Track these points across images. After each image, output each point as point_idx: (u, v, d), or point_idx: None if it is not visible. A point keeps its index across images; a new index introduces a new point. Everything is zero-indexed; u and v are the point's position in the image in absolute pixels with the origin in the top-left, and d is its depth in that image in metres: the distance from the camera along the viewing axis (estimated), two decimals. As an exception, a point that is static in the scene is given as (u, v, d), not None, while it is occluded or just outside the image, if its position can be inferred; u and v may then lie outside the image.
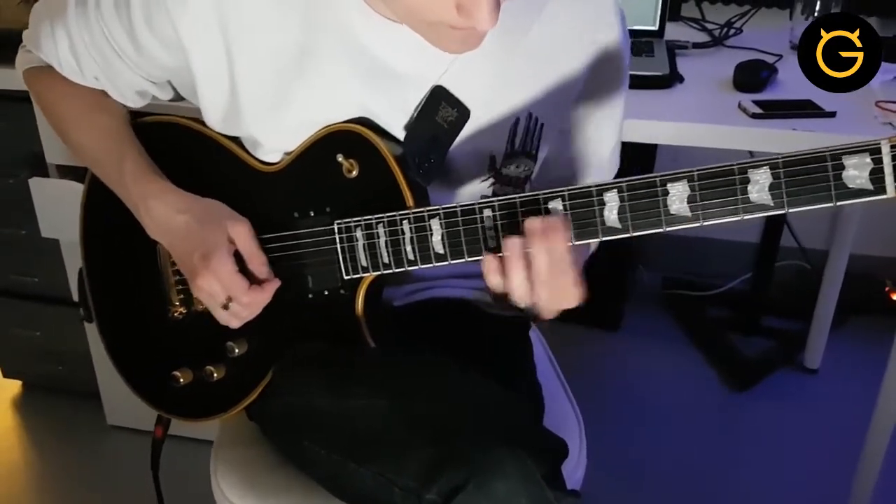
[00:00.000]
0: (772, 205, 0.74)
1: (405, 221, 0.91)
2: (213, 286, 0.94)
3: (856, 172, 0.71)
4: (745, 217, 0.76)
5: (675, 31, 1.82)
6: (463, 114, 0.95)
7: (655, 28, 1.72)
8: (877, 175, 0.70)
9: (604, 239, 0.83)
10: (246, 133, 1.00)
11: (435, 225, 0.89)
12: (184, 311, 1.10)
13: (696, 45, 1.76)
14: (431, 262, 0.91)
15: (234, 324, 0.98)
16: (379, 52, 0.93)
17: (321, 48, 0.93)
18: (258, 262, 0.97)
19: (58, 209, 1.72)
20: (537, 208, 0.84)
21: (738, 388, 2.21)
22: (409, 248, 0.91)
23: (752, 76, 1.53)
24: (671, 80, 1.54)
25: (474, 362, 0.95)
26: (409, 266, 0.92)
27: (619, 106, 1.05)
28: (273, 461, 1.09)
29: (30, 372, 2.15)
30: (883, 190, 0.70)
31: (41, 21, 1.04)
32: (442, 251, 0.90)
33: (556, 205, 0.83)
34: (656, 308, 2.50)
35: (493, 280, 0.85)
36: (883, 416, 1.62)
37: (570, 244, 0.83)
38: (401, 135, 0.97)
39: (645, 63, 1.57)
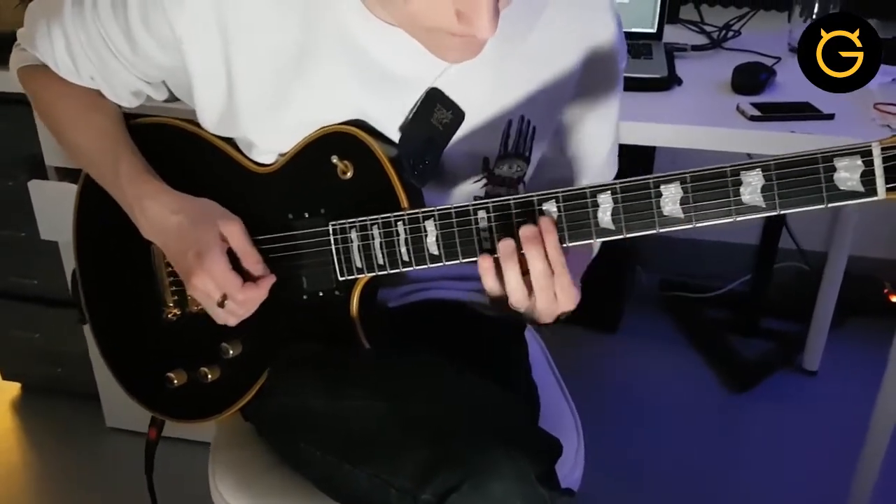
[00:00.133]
0: (764, 206, 0.75)
1: (400, 223, 0.91)
2: (208, 285, 0.95)
3: (847, 174, 0.71)
4: (738, 219, 0.76)
5: (673, 34, 1.82)
6: (458, 116, 0.95)
7: (654, 30, 1.72)
8: (868, 177, 0.71)
9: (598, 240, 0.83)
10: (241, 134, 1.00)
11: (429, 226, 0.89)
12: (178, 313, 1.10)
13: (695, 48, 1.76)
14: (426, 264, 0.91)
15: (231, 322, 0.98)
16: (376, 54, 0.93)
17: (319, 49, 0.93)
18: (252, 260, 0.97)
19: (57, 211, 1.72)
20: (531, 210, 0.84)
21: (737, 390, 2.21)
22: (403, 250, 0.91)
23: (750, 78, 1.53)
24: (669, 82, 1.54)
25: (469, 363, 0.95)
26: (403, 267, 0.92)
27: (614, 106, 1.05)
28: (269, 462, 1.09)
29: (29, 374, 2.15)
30: (874, 192, 0.71)
31: (37, 20, 1.04)
32: (437, 252, 0.90)
33: (550, 206, 0.83)
34: (655, 310, 2.50)
35: (490, 282, 0.86)
36: (882, 417, 1.62)
37: (566, 247, 0.83)
38: (396, 136, 0.97)
39: (643, 65, 1.58)
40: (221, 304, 0.96)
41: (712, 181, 0.76)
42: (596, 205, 0.81)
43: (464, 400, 0.90)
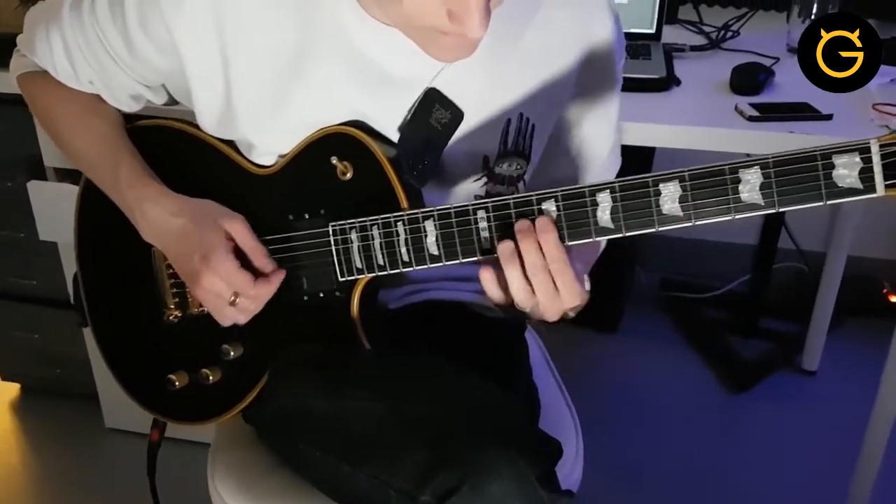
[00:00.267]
0: (762, 204, 0.75)
1: (399, 223, 0.91)
2: (217, 285, 0.94)
3: (846, 171, 0.71)
4: (737, 217, 0.76)
5: (672, 34, 1.82)
6: (456, 116, 0.95)
7: (652, 31, 1.72)
8: (866, 174, 0.71)
9: (598, 239, 0.83)
10: (241, 136, 1.00)
11: (429, 226, 0.89)
12: (179, 315, 1.10)
13: (694, 48, 1.76)
14: (426, 264, 0.91)
15: (242, 319, 0.98)
16: (373, 54, 0.93)
17: (317, 50, 0.93)
18: (259, 254, 0.96)
19: (56, 212, 1.72)
20: (531, 209, 0.84)
21: (737, 390, 2.21)
22: (403, 250, 0.91)
23: (748, 79, 1.53)
24: (668, 83, 1.54)
25: (469, 364, 0.95)
26: (403, 267, 0.92)
27: (613, 104, 1.05)
28: (269, 464, 1.09)
29: (28, 374, 2.15)
30: (872, 189, 0.71)
31: (36, 25, 1.05)
32: (436, 252, 0.90)
33: (550, 205, 0.83)
34: (654, 310, 2.51)
35: (493, 291, 0.86)
36: (881, 417, 1.62)
37: (567, 245, 0.83)
38: (395, 137, 0.97)
39: (642, 66, 1.58)
40: (233, 303, 0.95)
41: (711, 179, 0.76)
42: (595, 204, 0.81)
43: (464, 401, 0.90)
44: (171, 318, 1.10)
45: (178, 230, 0.97)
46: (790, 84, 1.55)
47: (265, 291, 0.96)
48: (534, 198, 0.84)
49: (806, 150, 0.73)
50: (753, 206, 0.75)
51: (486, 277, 0.86)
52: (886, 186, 0.71)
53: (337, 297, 0.98)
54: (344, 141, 0.95)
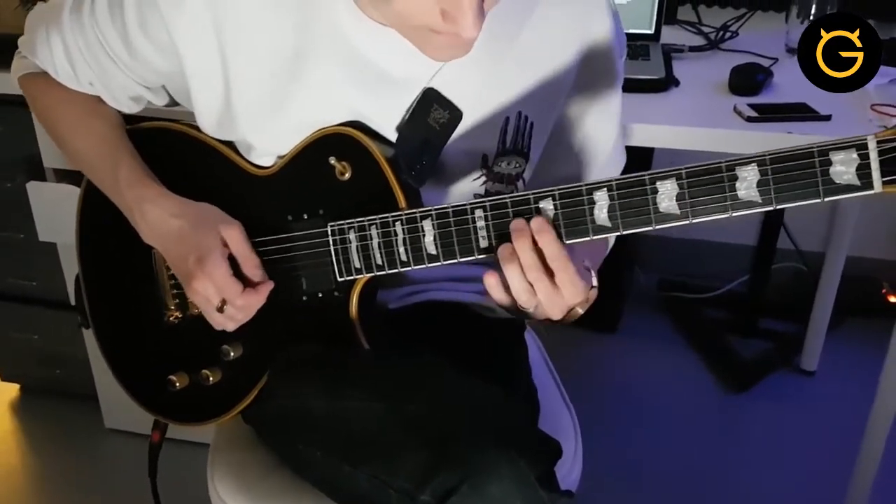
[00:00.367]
0: (760, 201, 0.75)
1: (398, 223, 0.91)
2: (208, 289, 0.95)
3: (843, 168, 0.71)
4: (734, 214, 0.76)
5: (671, 35, 1.82)
6: (455, 116, 0.95)
7: (651, 31, 1.72)
8: (864, 170, 0.71)
9: (596, 238, 0.83)
10: (240, 136, 1.00)
11: (427, 226, 0.89)
12: (179, 316, 1.10)
13: (692, 49, 1.76)
14: (424, 263, 0.91)
15: (230, 327, 0.99)
16: (371, 54, 0.93)
17: (315, 50, 0.93)
18: (251, 265, 0.97)
19: (55, 213, 1.72)
20: (528, 208, 0.84)
21: (736, 390, 2.21)
22: (401, 250, 0.92)
23: (747, 79, 1.53)
24: (667, 83, 1.54)
25: (469, 364, 0.95)
26: (401, 267, 0.92)
27: (614, 100, 1.05)
28: (269, 464, 1.09)
29: (28, 375, 2.15)
30: (870, 185, 0.71)
31: (37, 27, 1.05)
32: (434, 252, 0.90)
33: (547, 204, 0.83)
34: (653, 310, 2.51)
35: (498, 294, 0.86)
36: (880, 417, 1.62)
37: (568, 244, 0.83)
38: (393, 137, 0.97)
39: (641, 66, 1.58)
40: (221, 309, 0.96)
41: (708, 177, 0.76)
42: (592, 202, 0.81)
43: (463, 401, 0.90)
44: (171, 318, 1.10)
45: (176, 231, 0.98)
46: (789, 84, 1.55)
47: (252, 301, 0.97)
48: (531, 197, 0.84)
49: (803, 147, 0.73)
50: (751, 204, 0.75)
51: (491, 283, 0.86)
52: (884, 183, 0.71)
53: (336, 297, 0.98)
54: (342, 141, 0.95)
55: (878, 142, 0.70)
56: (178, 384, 1.08)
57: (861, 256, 2.36)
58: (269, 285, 0.98)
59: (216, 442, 1.17)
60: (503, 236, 0.85)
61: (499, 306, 0.89)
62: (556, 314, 0.87)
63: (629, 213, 0.80)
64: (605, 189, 0.81)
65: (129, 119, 1.10)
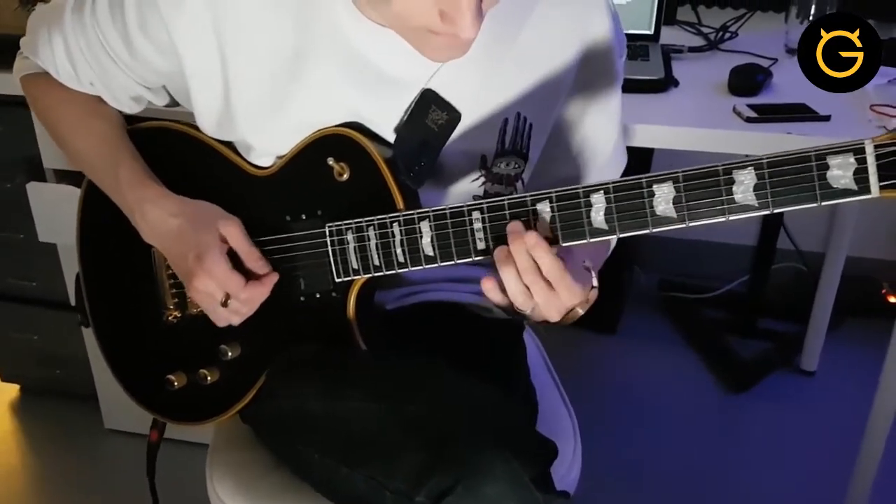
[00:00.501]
0: (756, 205, 0.75)
1: (395, 224, 0.91)
2: (210, 285, 0.95)
3: (840, 172, 0.71)
4: (731, 218, 0.76)
5: (670, 35, 1.82)
6: (453, 117, 0.95)
7: (651, 32, 1.72)
8: (861, 175, 0.71)
9: (592, 241, 0.83)
10: (239, 137, 1.01)
11: (424, 227, 0.90)
12: (178, 315, 1.10)
13: (692, 49, 1.76)
14: (421, 265, 0.91)
15: (235, 321, 0.99)
16: (370, 55, 0.93)
17: (314, 51, 0.93)
18: (253, 258, 0.97)
19: (55, 213, 1.73)
20: (525, 210, 0.84)
21: (735, 390, 2.21)
22: (399, 251, 0.92)
23: (747, 80, 1.53)
24: (666, 84, 1.54)
25: (467, 365, 0.95)
26: (399, 268, 0.92)
27: (614, 101, 1.05)
28: (268, 464, 1.09)
29: (28, 375, 2.15)
30: (867, 190, 0.71)
31: (39, 28, 1.05)
32: (431, 253, 0.90)
33: (544, 206, 0.83)
34: (653, 310, 2.50)
35: (496, 297, 0.87)
36: (879, 417, 1.62)
37: (559, 245, 0.84)
38: (391, 137, 0.97)
39: (640, 67, 1.58)
40: (225, 304, 0.96)
41: (705, 180, 0.76)
42: (589, 205, 0.81)
43: (461, 402, 0.90)
44: (170, 318, 1.11)
45: (176, 230, 0.98)
46: (788, 85, 1.55)
47: (257, 294, 0.97)
48: (528, 199, 0.84)
49: (800, 151, 0.73)
50: (747, 208, 0.75)
51: (489, 287, 0.86)
52: (881, 187, 0.70)
53: (333, 297, 0.98)
54: (341, 142, 0.95)
55: (876, 146, 0.70)
56: (176, 383, 1.08)
57: (861, 256, 2.36)
58: (274, 276, 0.98)
59: (215, 442, 1.17)
60: (500, 238, 0.85)
61: (496, 306, 0.89)
62: (555, 316, 0.87)
63: (626, 216, 0.80)
64: (602, 192, 0.81)
65: (129, 119, 1.10)
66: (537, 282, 0.83)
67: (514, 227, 0.84)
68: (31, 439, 2.14)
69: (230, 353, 1.04)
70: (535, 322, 0.92)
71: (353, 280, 0.97)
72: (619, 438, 2.04)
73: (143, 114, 1.10)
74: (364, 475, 0.89)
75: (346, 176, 0.96)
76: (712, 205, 0.76)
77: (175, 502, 1.42)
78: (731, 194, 0.75)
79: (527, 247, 0.82)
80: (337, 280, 0.97)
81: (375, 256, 0.93)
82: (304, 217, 0.99)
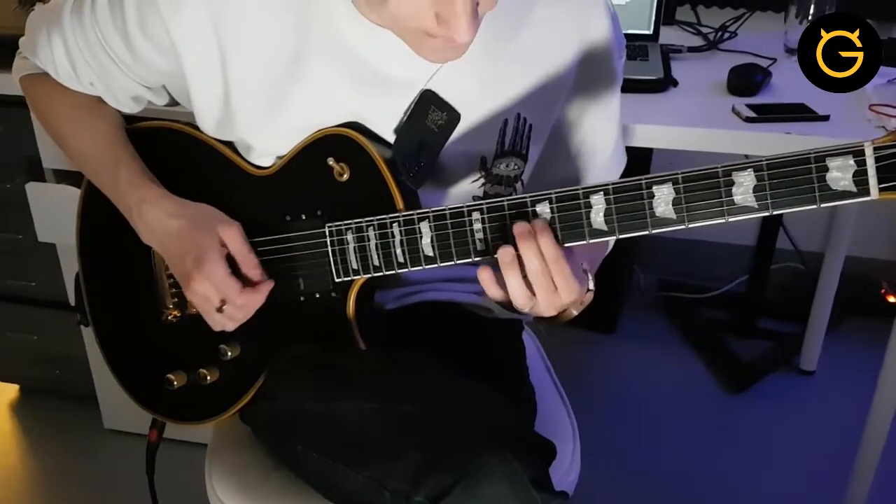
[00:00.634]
0: (756, 207, 0.75)
1: (395, 224, 0.91)
2: (207, 289, 0.95)
3: (839, 174, 0.71)
4: (730, 219, 0.76)
5: (669, 35, 1.82)
6: (453, 117, 0.96)
7: (650, 32, 1.72)
8: (860, 177, 0.71)
9: (592, 241, 0.83)
10: (239, 137, 1.01)
11: (424, 228, 0.90)
12: (178, 315, 1.10)
13: (691, 49, 1.76)
14: (421, 265, 0.91)
15: (230, 326, 0.99)
16: (369, 56, 0.93)
17: (313, 51, 0.93)
18: (250, 265, 0.97)
19: (54, 214, 1.72)
20: (525, 211, 0.84)
21: (735, 391, 2.21)
22: (398, 251, 0.92)
23: (746, 80, 1.53)
24: (665, 84, 1.54)
25: (466, 365, 0.95)
26: (398, 269, 0.93)
27: (614, 102, 1.05)
28: (267, 465, 1.09)
29: (26, 376, 2.15)
30: (867, 192, 0.71)
31: (38, 28, 1.05)
32: (431, 254, 0.90)
33: (544, 207, 0.83)
34: (653, 310, 2.51)
35: (493, 291, 0.86)
36: (879, 417, 1.62)
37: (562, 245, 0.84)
38: (391, 138, 0.97)
39: (639, 67, 1.58)
40: (220, 309, 0.96)
41: (704, 182, 0.76)
42: (589, 206, 0.82)
43: (459, 402, 0.90)
44: (169, 317, 1.11)
45: (175, 232, 0.98)
46: (787, 85, 1.55)
47: (252, 301, 0.97)
48: (528, 199, 0.84)
49: (799, 153, 0.73)
50: (747, 209, 0.75)
51: (485, 277, 0.86)
52: (881, 189, 0.71)
53: (333, 297, 0.99)
54: (340, 142, 0.95)
55: (875, 148, 0.70)
56: (175, 383, 1.08)
57: (860, 257, 2.36)
58: (269, 284, 0.98)
59: (214, 442, 1.17)
60: (500, 239, 0.85)
61: (494, 302, 0.89)
62: (551, 312, 0.87)
63: (625, 218, 0.80)
64: (602, 193, 0.81)
65: (128, 119, 1.10)
66: (547, 283, 0.83)
67: (522, 227, 0.83)
68: (31, 439, 2.13)
69: (230, 353, 1.04)
70: (529, 317, 0.92)
71: (352, 280, 0.97)
72: (618, 438, 2.04)
73: (143, 114, 1.10)
74: (363, 475, 0.89)
75: (346, 176, 0.96)
76: (712, 206, 0.76)
77: (174, 502, 1.42)
78: (731, 196, 0.75)
79: (538, 245, 0.82)
80: (336, 280, 0.97)
81: (375, 257, 0.93)
82: (303, 217, 0.99)
